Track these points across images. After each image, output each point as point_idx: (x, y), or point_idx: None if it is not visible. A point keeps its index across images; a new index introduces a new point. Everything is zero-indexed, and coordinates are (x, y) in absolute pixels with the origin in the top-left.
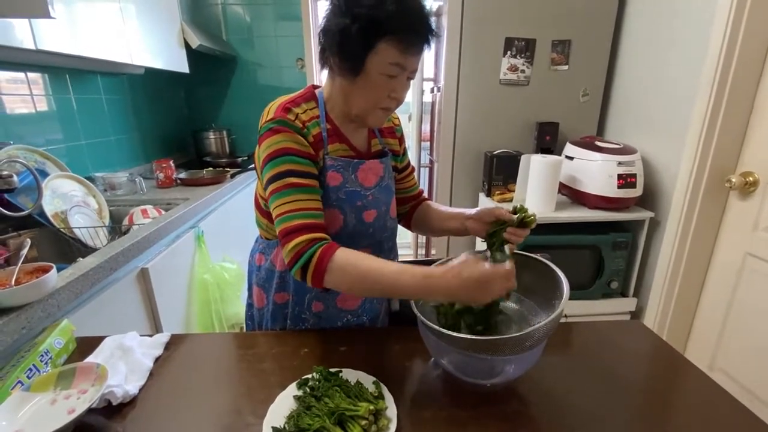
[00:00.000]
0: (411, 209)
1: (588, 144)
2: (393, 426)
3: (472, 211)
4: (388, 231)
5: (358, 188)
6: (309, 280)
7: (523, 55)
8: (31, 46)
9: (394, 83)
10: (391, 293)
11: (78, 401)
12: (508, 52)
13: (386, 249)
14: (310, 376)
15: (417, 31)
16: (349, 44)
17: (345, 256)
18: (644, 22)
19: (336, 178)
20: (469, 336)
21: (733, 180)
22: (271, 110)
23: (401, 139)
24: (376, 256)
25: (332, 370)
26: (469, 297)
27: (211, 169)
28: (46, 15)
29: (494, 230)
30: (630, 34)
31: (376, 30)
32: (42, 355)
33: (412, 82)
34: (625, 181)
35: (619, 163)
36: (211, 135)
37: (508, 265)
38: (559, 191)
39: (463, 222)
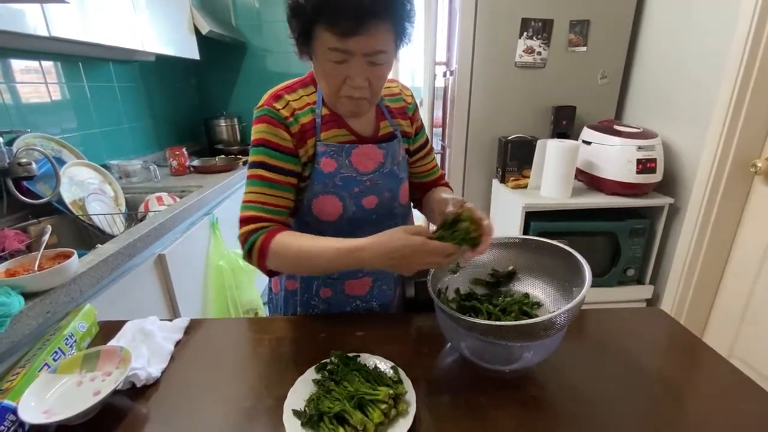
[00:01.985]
0: (423, 195)
1: (606, 128)
2: (412, 410)
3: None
4: (397, 218)
5: (354, 173)
6: (255, 264)
7: (539, 37)
8: (44, 33)
9: (346, 69)
10: (326, 269)
11: (103, 383)
12: (524, 34)
13: None
14: (328, 360)
15: (347, 12)
16: (293, 32)
17: (282, 240)
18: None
19: (330, 164)
20: (488, 321)
21: (759, 165)
22: (264, 96)
23: (413, 118)
24: None
25: (350, 354)
26: (392, 267)
27: (223, 156)
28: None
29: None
30: (652, 12)
31: (306, 17)
32: (67, 339)
33: (421, 67)
34: (645, 166)
35: (639, 148)
36: (222, 122)
37: (442, 244)
38: (576, 177)
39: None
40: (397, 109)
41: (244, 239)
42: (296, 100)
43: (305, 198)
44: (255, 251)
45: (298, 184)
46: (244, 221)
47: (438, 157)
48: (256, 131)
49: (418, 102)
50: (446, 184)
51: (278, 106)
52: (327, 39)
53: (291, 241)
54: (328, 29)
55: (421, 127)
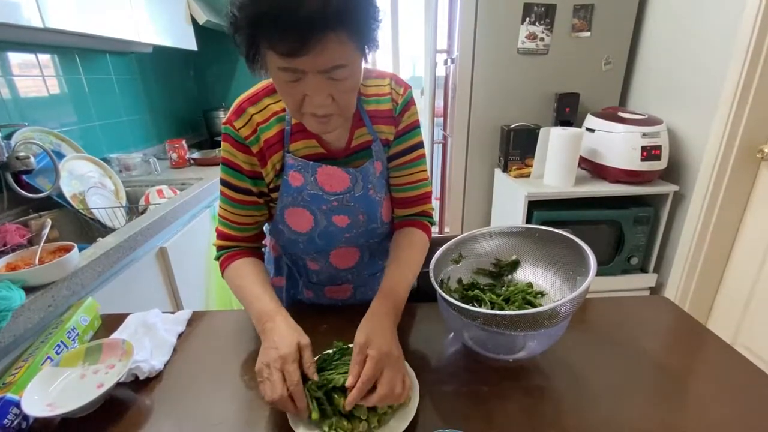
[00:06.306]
0: (400, 225)
1: (610, 115)
2: (416, 400)
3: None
4: (377, 237)
5: (320, 192)
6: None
7: (542, 22)
8: (39, 25)
9: (303, 87)
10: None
11: (106, 376)
12: (527, 19)
13: (381, 250)
14: (330, 351)
15: (288, 28)
16: (238, 48)
17: (232, 270)
18: None
19: (297, 179)
20: (491, 311)
21: (766, 150)
22: (231, 107)
23: (397, 121)
24: (368, 259)
25: (351, 345)
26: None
27: None
28: None
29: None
30: None
31: (245, 33)
32: (69, 332)
33: (418, 66)
34: (650, 153)
35: (644, 135)
36: (222, 114)
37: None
38: (579, 165)
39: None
40: (381, 112)
41: (216, 250)
42: (260, 111)
43: (277, 207)
44: (219, 266)
45: (269, 195)
46: (217, 233)
47: (440, 147)
48: (222, 149)
49: (418, 92)
50: (426, 213)
51: (238, 124)
52: (273, 58)
53: (235, 277)
54: (272, 47)
55: (409, 128)
